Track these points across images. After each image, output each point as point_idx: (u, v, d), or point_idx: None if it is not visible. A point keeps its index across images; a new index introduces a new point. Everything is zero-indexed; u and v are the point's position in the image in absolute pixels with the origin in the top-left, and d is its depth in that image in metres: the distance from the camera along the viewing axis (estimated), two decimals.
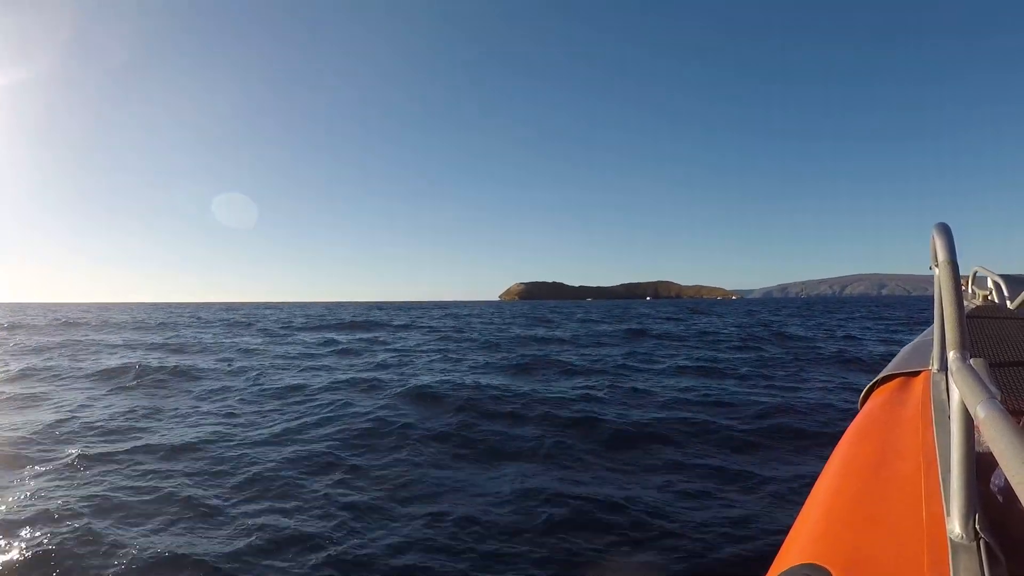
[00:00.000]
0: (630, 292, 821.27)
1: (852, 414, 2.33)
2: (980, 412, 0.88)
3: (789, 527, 1.43)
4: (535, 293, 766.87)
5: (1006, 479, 0.75)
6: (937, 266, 1.70)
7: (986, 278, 6.68)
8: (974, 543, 1.08)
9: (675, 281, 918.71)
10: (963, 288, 3.38)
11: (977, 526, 1.09)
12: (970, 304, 6.24)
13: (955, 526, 1.12)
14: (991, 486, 1.22)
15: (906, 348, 3.25)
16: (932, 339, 2.44)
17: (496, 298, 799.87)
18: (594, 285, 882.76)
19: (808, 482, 1.67)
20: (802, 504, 1.53)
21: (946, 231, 1.70)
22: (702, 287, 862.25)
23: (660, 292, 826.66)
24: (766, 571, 1.26)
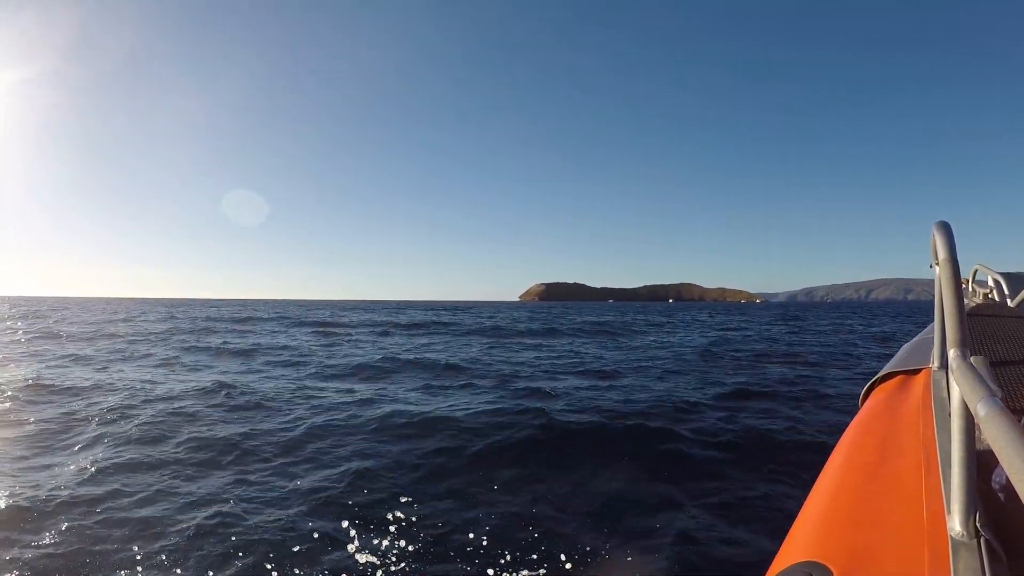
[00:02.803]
0: (653, 294, 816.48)
1: (852, 412, 2.31)
2: (981, 410, 0.87)
3: (790, 525, 1.43)
4: (555, 294, 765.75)
5: (1007, 477, 0.75)
6: (937, 264, 1.69)
7: (987, 276, 6.61)
8: (975, 541, 1.07)
9: (698, 283, 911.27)
10: (963, 286, 3.34)
11: (978, 524, 1.08)
12: (970, 302, 6.16)
13: (956, 524, 1.11)
14: (992, 484, 1.21)
15: (907, 346, 3.21)
16: (933, 337, 2.43)
17: (516, 299, 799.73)
18: (616, 286, 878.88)
19: (809, 479, 1.66)
20: (803, 502, 1.53)
21: (946, 229, 1.69)
22: (726, 290, 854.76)
23: (683, 294, 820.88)
24: (767, 569, 1.26)
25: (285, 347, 22.00)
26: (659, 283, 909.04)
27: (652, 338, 27.88)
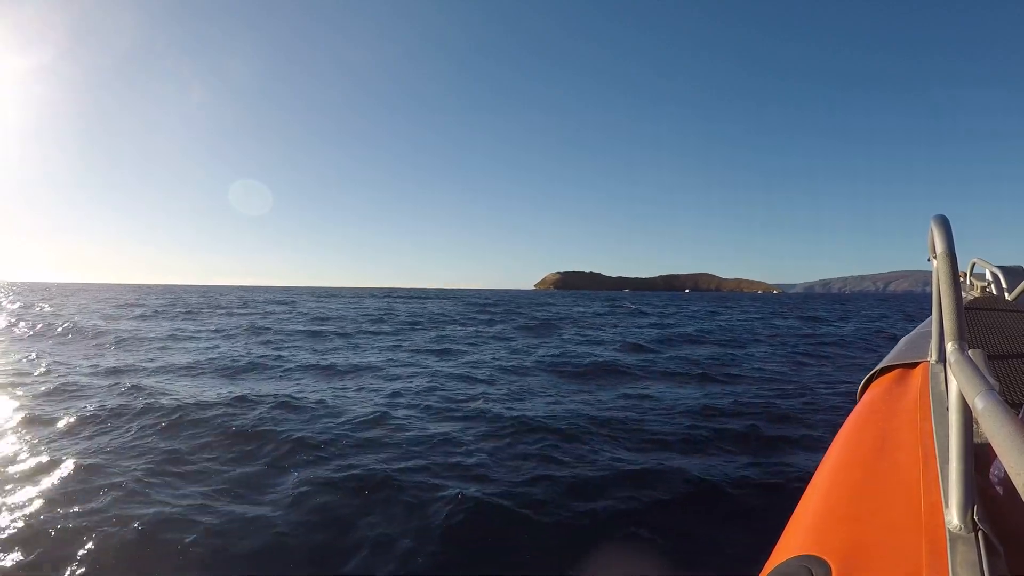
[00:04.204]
0: (669, 284, 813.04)
1: (851, 405, 2.30)
2: (978, 403, 0.87)
3: (787, 519, 1.43)
4: (571, 283, 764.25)
5: (1005, 470, 0.75)
6: (935, 258, 1.68)
7: (984, 270, 6.59)
8: (972, 534, 1.07)
9: (715, 274, 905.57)
10: (961, 280, 3.34)
11: (975, 517, 1.08)
12: (968, 296, 6.18)
13: (953, 517, 1.10)
14: (990, 477, 1.21)
15: (904, 339, 3.20)
16: (931, 330, 2.43)
17: (531, 287, 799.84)
18: (632, 276, 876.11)
19: (807, 473, 1.66)
20: (800, 495, 1.52)
21: (944, 223, 1.69)
22: (742, 280, 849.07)
23: (700, 284, 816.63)
24: (764, 563, 1.27)
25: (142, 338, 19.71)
26: (675, 273, 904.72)
27: (573, 332, 24.05)
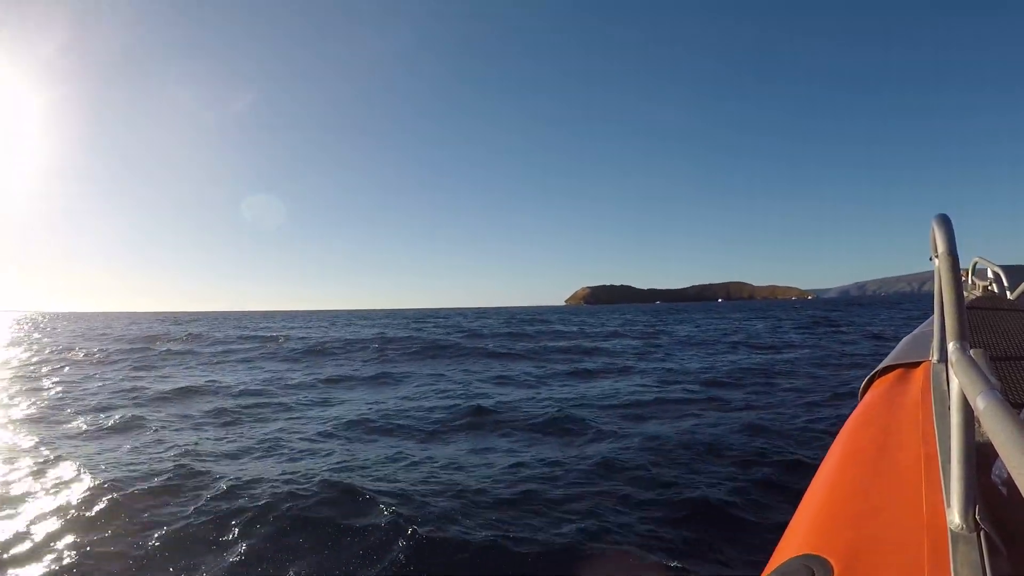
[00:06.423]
0: (701, 294, 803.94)
1: (852, 405, 2.30)
2: (980, 403, 0.88)
3: (789, 518, 1.43)
4: (602, 297, 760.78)
5: (1007, 470, 0.76)
6: (937, 257, 1.68)
7: (986, 269, 6.57)
8: (974, 534, 1.07)
9: (748, 281, 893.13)
10: (963, 279, 3.33)
11: (977, 517, 1.08)
12: (970, 295, 6.13)
13: (955, 517, 1.11)
14: (992, 477, 1.21)
15: (906, 339, 3.20)
16: (932, 330, 2.42)
17: (562, 303, 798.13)
18: (664, 287, 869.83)
19: (808, 473, 1.66)
20: (802, 495, 1.53)
21: (946, 222, 1.68)
22: (776, 287, 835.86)
23: (733, 293, 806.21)
24: (766, 563, 1.28)
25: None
26: (709, 282, 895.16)
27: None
